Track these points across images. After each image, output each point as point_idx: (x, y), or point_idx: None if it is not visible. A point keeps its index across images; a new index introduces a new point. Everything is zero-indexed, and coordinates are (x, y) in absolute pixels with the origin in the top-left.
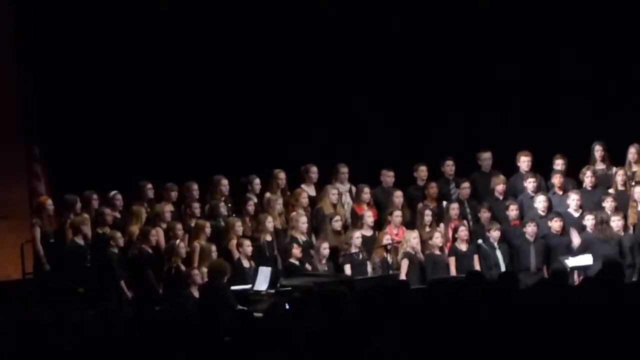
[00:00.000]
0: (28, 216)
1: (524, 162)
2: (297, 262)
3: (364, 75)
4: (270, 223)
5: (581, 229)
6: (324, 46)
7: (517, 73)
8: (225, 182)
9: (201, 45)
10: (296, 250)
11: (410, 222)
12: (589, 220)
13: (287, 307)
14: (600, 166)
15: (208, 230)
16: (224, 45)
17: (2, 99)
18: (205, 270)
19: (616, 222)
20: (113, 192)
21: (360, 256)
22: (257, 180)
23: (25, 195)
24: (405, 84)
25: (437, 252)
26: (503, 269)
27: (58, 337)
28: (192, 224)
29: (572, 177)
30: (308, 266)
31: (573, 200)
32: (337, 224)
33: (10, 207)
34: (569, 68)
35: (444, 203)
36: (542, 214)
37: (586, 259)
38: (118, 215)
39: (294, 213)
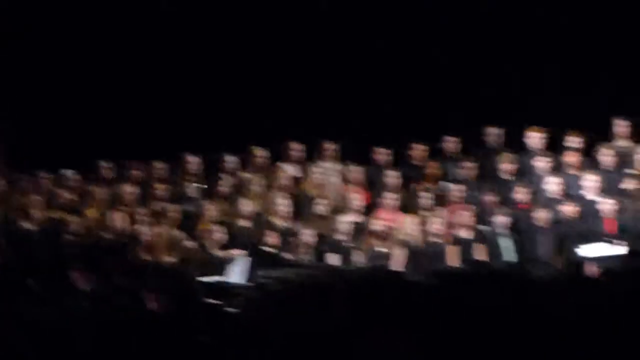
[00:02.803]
0: None
1: (534, 138)
2: (273, 250)
3: (354, 40)
4: (247, 207)
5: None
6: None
7: (528, 36)
8: (194, 160)
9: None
10: (272, 238)
11: (406, 206)
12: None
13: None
14: (622, 143)
15: (174, 215)
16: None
17: None
18: (171, 259)
19: None
20: (68, 171)
21: (349, 244)
22: (232, 158)
23: None
24: (404, 47)
25: (437, 239)
26: (511, 258)
27: (6, 334)
28: (157, 208)
29: (589, 156)
30: (289, 255)
31: (590, 181)
32: (322, 208)
33: None
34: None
35: (445, 184)
36: (555, 197)
37: (603, 249)
38: (74, 197)
39: (272, 195)
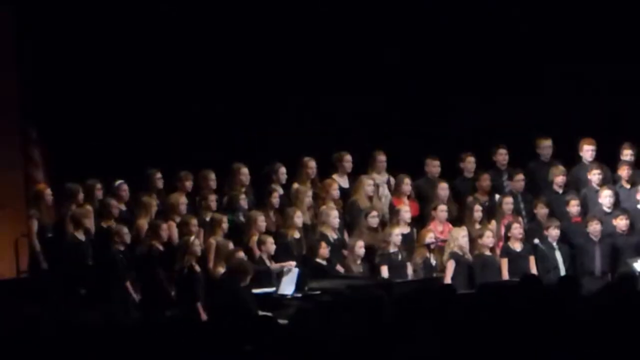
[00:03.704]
0: (24, 207)
1: (587, 151)
2: (324, 262)
3: (408, 50)
4: (299, 218)
5: None
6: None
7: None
8: (245, 170)
9: (216, 25)
10: (323, 250)
11: (457, 218)
12: None
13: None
14: None
15: (225, 225)
16: (239, 25)
17: None
18: (221, 270)
19: None
20: (119, 182)
21: (400, 256)
22: (283, 169)
23: (21, 183)
24: (451, 58)
25: (488, 252)
26: (563, 272)
27: (56, 342)
28: (208, 218)
29: None
30: (340, 267)
31: None
32: (374, 220)
33: (3, 197)
34: None
35: (496, 197)
36: (608, 210)
37: None
38: (124, 207)
39: (324, 207)
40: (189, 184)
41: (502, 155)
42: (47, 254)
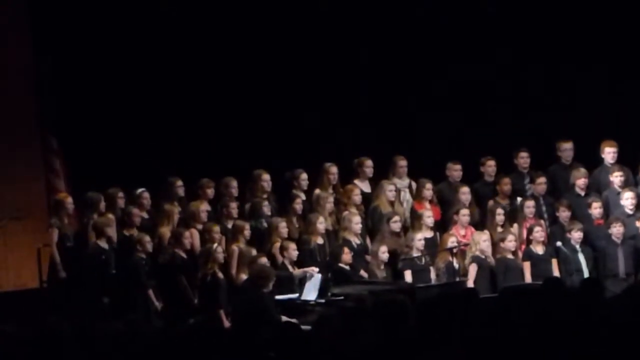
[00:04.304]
0: (45, 217)
1: (609, 153)
2: (347, 268)
3: (427, 54)
4: (322, 224)
5: None
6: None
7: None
8: (267, 177)
9: (238, 37)
10: (346, 255)
11: (479, 222)
12: None
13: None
14: None
15: (247, 232)
16: (261, 35)
17: (17, 85)
18: (244, 276)
19: None
20: (140, 190)
21: (423, 261)
22: (304, 175)
23: (42, 193)
24: (469, 62)
25: (510, 255)
26: (586, 274)
27: (78, 352)
28: (230, 225)
29: None
30: (363, 273)
31: None
32: (396, 225)
33: (25, 206)
34: None
35: (518, 200)
36: (630, 212)
37: None
38: (146, 215)
39: (346, 212)
40: (210, 192)
41: (523, 159)
42: (67, 263)
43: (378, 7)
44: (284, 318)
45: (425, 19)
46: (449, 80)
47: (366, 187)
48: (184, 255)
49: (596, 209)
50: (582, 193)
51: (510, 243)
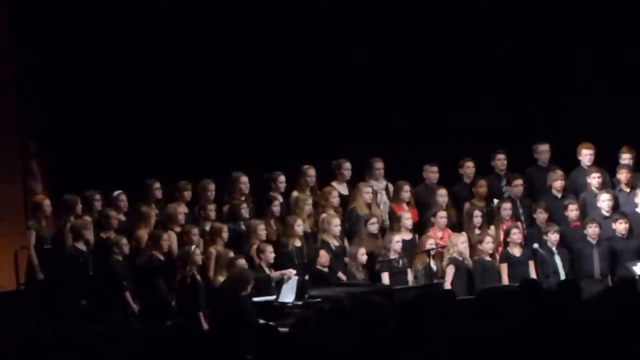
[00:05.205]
0: (22, 219)
1: (585, 155)
2: (325, 270)
3: (405, 57)
4: (299, 226)
5: None
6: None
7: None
8: (245, 179)
9: (215, 32)
10: (322, 258)
11: (457, 224)
12: None
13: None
14: None
15: (225, 234)
16: (240, 30)
17: None
18: (222, 279)
19: None
20: (117, 192)
21: (400, 263)
22: (282, 178)
23: (20, 195)
24: (450, 64)
25: (487, 257)
26: (562, 276)
27: (58, 354)
28: (208, 228)
29: None
30: (341, 275)
31: None
32: (374, 227)
33: (2, 209)
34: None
35: (495, 202)
36: (607, 214)
37: None
38: (123, 217)
39: (325, 214)
40: (188, 194)
41: (500, 161)
42: (44, 265)
43: (366, 10)
44: (261, 320)
45: (413, 21)
46: (427, 82)
47: (344, 189)
48: (161, 257)
49: (573, 211)
50: (559, 195)
51: (487, 245)
